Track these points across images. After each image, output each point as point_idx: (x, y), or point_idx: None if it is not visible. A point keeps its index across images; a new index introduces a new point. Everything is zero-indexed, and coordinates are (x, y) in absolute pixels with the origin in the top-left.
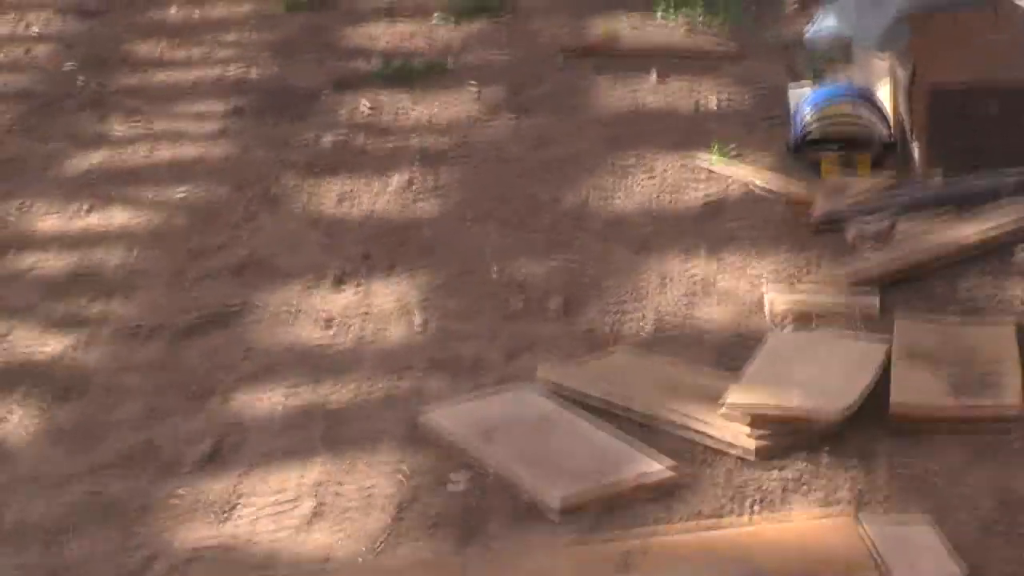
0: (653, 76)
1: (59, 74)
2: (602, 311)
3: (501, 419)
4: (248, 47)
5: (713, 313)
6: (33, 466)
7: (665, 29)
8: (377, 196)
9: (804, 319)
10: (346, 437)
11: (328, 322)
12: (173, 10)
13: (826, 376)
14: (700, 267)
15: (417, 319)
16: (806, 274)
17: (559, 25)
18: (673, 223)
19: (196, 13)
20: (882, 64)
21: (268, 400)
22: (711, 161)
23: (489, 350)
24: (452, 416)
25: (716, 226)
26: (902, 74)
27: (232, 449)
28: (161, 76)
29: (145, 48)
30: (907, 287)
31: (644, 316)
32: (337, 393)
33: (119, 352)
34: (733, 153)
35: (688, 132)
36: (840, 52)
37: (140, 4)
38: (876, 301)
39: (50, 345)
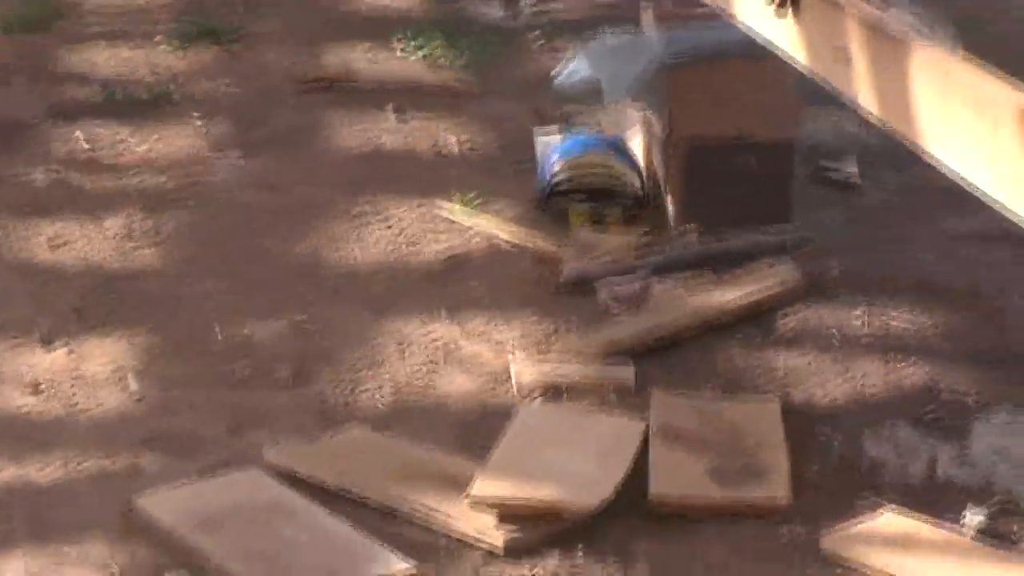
0: (391, 114)
1: None
2: (335, 380)
3: (224, 507)
4: None
5: (456, 384)
6: None
7: (404, 63)
8: (92, 243)
9: (554, 393)
10: (52, 524)
11: (35, 387)
12: None
13: (579, 461)
14: (441, 331)
15: (132, 386)
16: (555, 341)
17: (292, 54)
18: (412, 280)
19: None
20: (635, 114)
21: None
22: (453, 211)
23: (212, 423)
24: (169, 503)
25: (458, 284)
26: (657, 126)
27: None
28: None
29: None
30: (663, 357)
31: (381, 386)
32: (43, 471)
33: None
34: (477, 202)
35: (429, 177)
36: (591, 98)
37: None
38: (630, 373)
39: None
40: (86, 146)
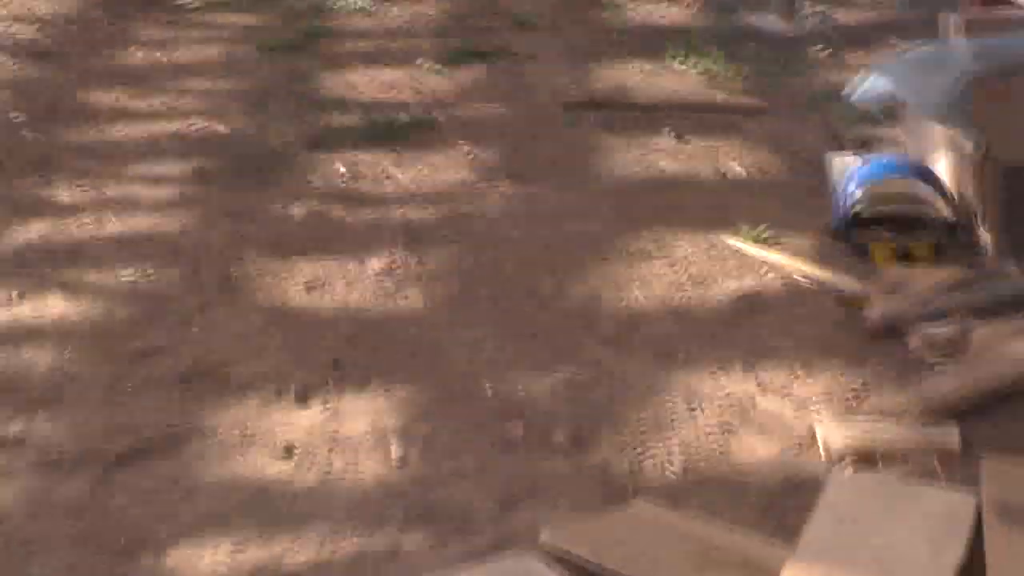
0: (669, 135)
1: (2, 126)
2: (618, 445)
3: None
4: (216, 96)
5: (754, 449)
6: None
7: (680, 79)
8: (352, 284)
9: (867, 459)
10: None
11: (288, 451)
12: (136, 52)
13: (906, 547)
14: (735, 385)
15: (394, 450)
16: (865, 397)
17: (560, 73)
18: (700, 325)
19: (161, 56)
20: (941, 134)
21: (211, 559)
22: (742, 245)
23: (481, 495)
24: None
25: (752, 330)
26: (967, 146)
27: None
28: (117, 130)
29: (102, 97)
30: (989, 414)
31: (669, 452)
32: (295, 551)
33: (37, 488)
34: (767, 234)
35: (712, 205)
36: (889, 117)
37: (100, 45)
38: (954, 436)
39: None
40: (346, 177)
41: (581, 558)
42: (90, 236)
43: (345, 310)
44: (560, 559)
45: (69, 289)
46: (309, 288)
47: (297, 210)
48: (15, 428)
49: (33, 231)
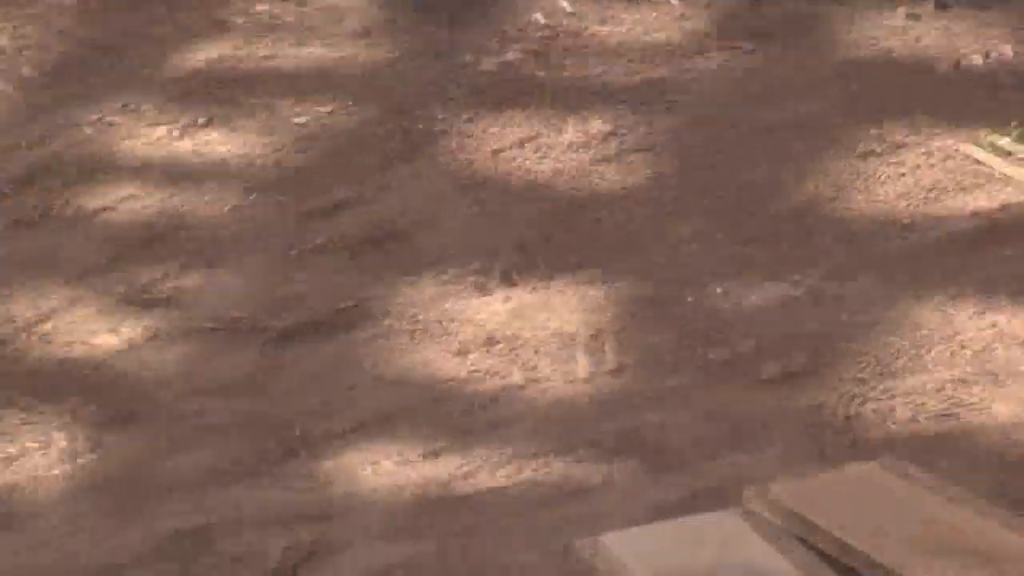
0: (904, 12)
1: None
2: (834, 386)
3: (689, 570)
4: None
5: (990, 407)
6: (54, 543)
7: None
8: (548, 155)
9: None
10: (472, 557)
11: (467, 349)
12: None
13: None
14: (970, 327)
15: (582, 360)
16: None
17: None
18: (930, 248)
19: None
20: None
21: (373, 470)
22: (981, 154)
23: (678, 430)
24: (627, 554)
25: (989, 261)
26: None
27: (316, 556)
28: None
29: None
30: None
31: (892, 402)
32: (469, 473)
33: (195, 360)
34: (1013, 145)
35: (949, 103)
36: None
37: None
38: None
39: (103, 338)
40: (565, 18)
41: (799, 521)
42: (263, 70)
43: (538, 185)
44: (768, 521)
45: (238, 128)
46: (502, 152)
47: (500, 56)
48: (168, 285)
49: (202, 57)
